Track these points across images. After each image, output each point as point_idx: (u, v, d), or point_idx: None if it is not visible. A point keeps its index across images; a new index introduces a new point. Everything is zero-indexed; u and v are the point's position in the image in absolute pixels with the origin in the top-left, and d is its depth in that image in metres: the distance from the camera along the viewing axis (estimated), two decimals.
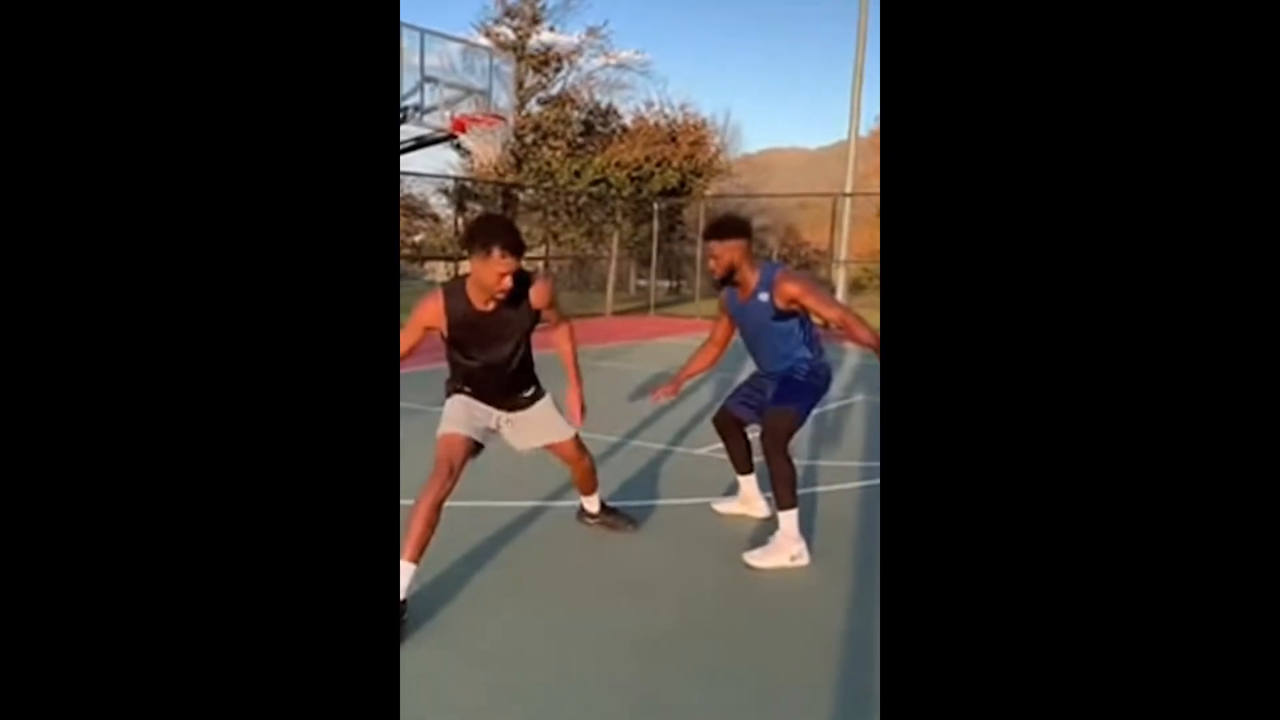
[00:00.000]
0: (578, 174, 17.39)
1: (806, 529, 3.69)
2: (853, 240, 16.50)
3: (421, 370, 4.90)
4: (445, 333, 3.04)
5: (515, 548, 3.63)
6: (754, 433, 3.71)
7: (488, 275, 2.84)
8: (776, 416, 3.41)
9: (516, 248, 2.84)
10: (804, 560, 3.41)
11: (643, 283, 21.90)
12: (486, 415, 3.23)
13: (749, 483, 3.92)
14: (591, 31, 18.47)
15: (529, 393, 3.33)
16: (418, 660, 2.58)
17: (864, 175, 16.82)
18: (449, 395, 3.21)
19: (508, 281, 2.86)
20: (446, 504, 2.93)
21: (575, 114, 18.13)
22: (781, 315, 3.41)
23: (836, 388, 7.84)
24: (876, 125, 23.71)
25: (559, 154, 17.44)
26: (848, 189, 16.14)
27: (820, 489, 4.59)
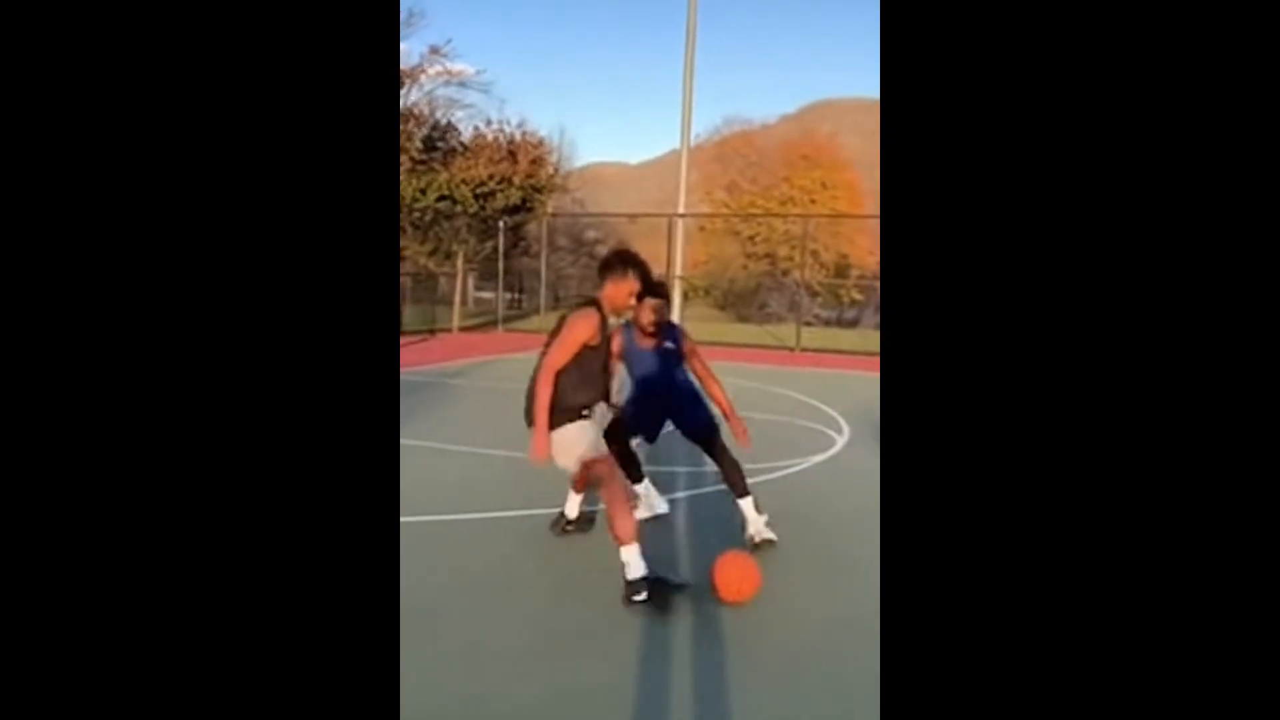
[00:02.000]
0: (423, 191, 17.69)
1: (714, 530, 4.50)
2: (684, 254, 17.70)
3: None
4: (593, 343, 3.58)
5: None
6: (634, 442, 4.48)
7: (620, 294, 3.63)
8: (710, 439, 4.25)
9: (644, 278, 3.68)
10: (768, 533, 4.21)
11: (482, 295, 22.29)
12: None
13: (645, 486, 4.61)
14: (434, 49, 18.78)
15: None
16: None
17: (688, 187, 17.96)
18: (567, 422, 3.56)
19: (634, 299, 3.68)
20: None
21: (418, 131, 18.41)
22: (680, 359, 4.30)
23: None
24: (698, 140, 24.91)
25: (403, 170, 17.67)
26: (681, 206, 17.32)
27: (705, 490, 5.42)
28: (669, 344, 4.25)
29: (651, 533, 4.20)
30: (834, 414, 8.25)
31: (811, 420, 7.88)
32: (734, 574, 3.36)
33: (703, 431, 4.26)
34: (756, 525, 4.19)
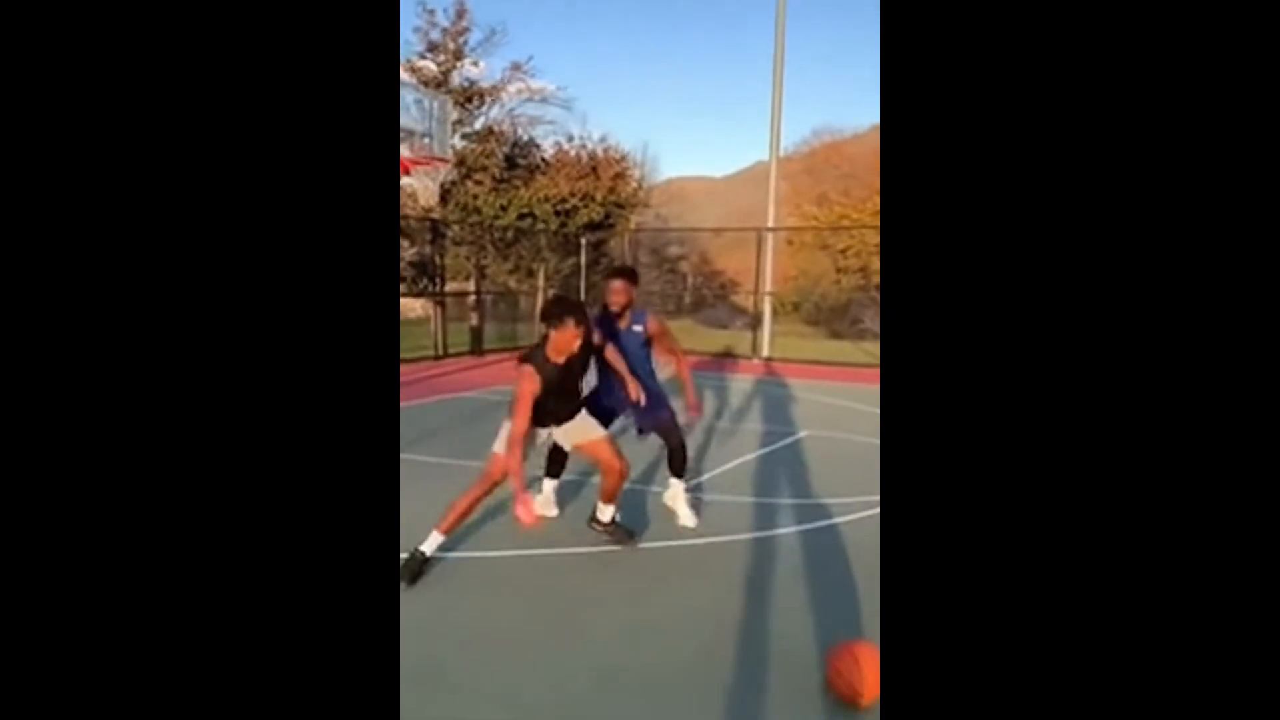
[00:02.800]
0: (504, 208, 17.42)
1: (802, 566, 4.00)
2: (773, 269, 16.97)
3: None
4: (540, 392, 3.89)
5: (506, 595, 3.77)
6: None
7: (565, 339, 3.87)
8: (669, 430, 4.69)
9: (585, 320, 3.91)
10: (692, 519, 4.70)
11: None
12: (536, 435, 4.13)
13: (550, 489, 4.90)
14: (515, 67, 18.53)
15: (578, 408, 4.27)
16: (414, 705, 2.64)
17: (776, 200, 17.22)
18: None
19: (578, 344, 3.92)
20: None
21: (499, 149, 18.17)
22: (646, 343, 4.73)
23: (782, 423, 8.10)
24: (786, 151, 24.25)
25: (484, 188, 17.44)
26: (770, 220, 16.61)
27: (803, 527, 4.79)
28: (636, 327, 4.68)
29: (733, 562, 3.87)
30: None
31: None
32: (859, 676, 2.68)
33: (664, 429, 4.66)
34: (681, 508, 4.71)
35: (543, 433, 4.18)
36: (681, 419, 4.77)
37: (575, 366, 4.10)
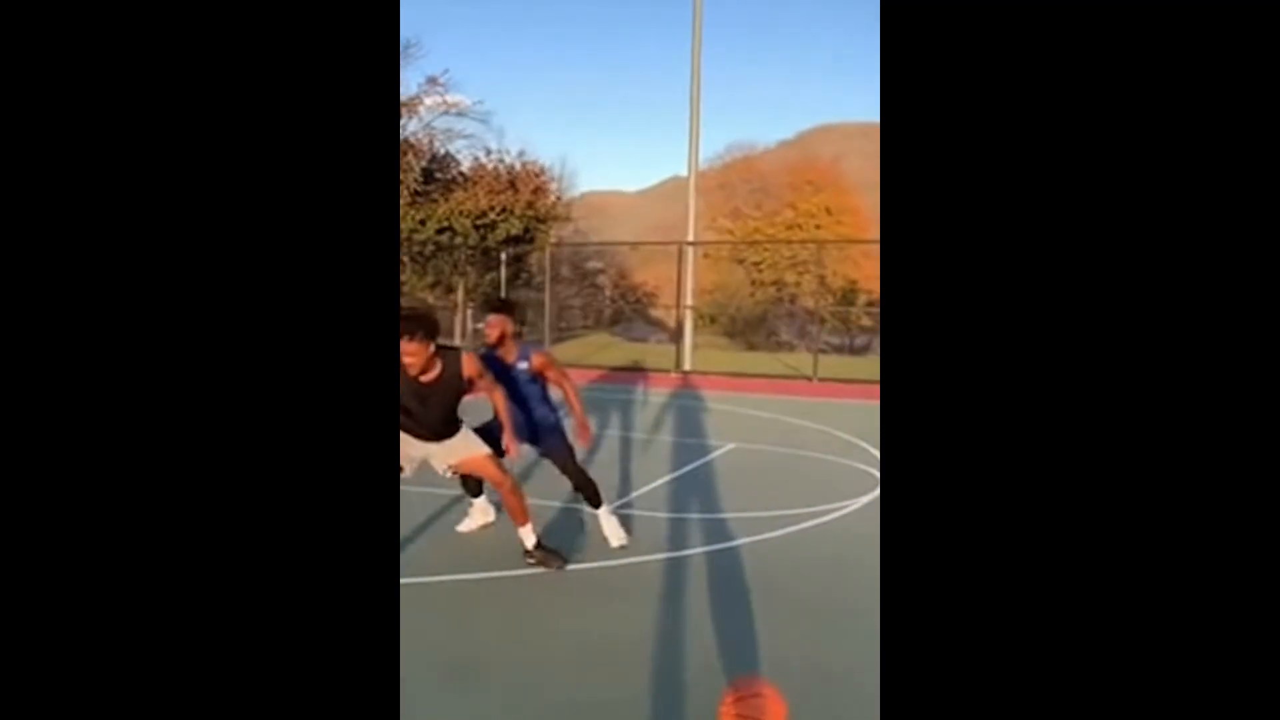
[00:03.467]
0: (422, 222, 17.20)
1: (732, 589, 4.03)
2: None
3: None
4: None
5: (445, 626, 3.67)
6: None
7: (405, 355, 3.78)
8: (562, 458, 4.64)
9: (412, 335, 3.75)
10: (624, 535, 4.65)
11: (481, 327, 21.88)
12: (418, 447, 4.21)
13: (481, 500, 4.95)
14: (431, 80, 18.36)
15: (453, 431, 4.24)
16: None
17: (683, 217, 17.38)
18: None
19: (409, 360, 3.80)
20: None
21: (416, 162, 17.95)
22: (534, 378, 4.65)
23: (708, 436, 8.19)
24: (702, 168, 24.56)
25: (402, 202, 17.20)
26: (690, 233, 16.81)
27: (743, 540, 4.86)
28: (522, 364, 4.63)
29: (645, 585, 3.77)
30: (874, 451, 7.60)
31: (848, 458, 7.26)
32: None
33: (560, 456, 4.63)
34: (615, 535, 4.62)
35: (415, 457, 4.19)
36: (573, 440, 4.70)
37: (442, 393, 4.05)
